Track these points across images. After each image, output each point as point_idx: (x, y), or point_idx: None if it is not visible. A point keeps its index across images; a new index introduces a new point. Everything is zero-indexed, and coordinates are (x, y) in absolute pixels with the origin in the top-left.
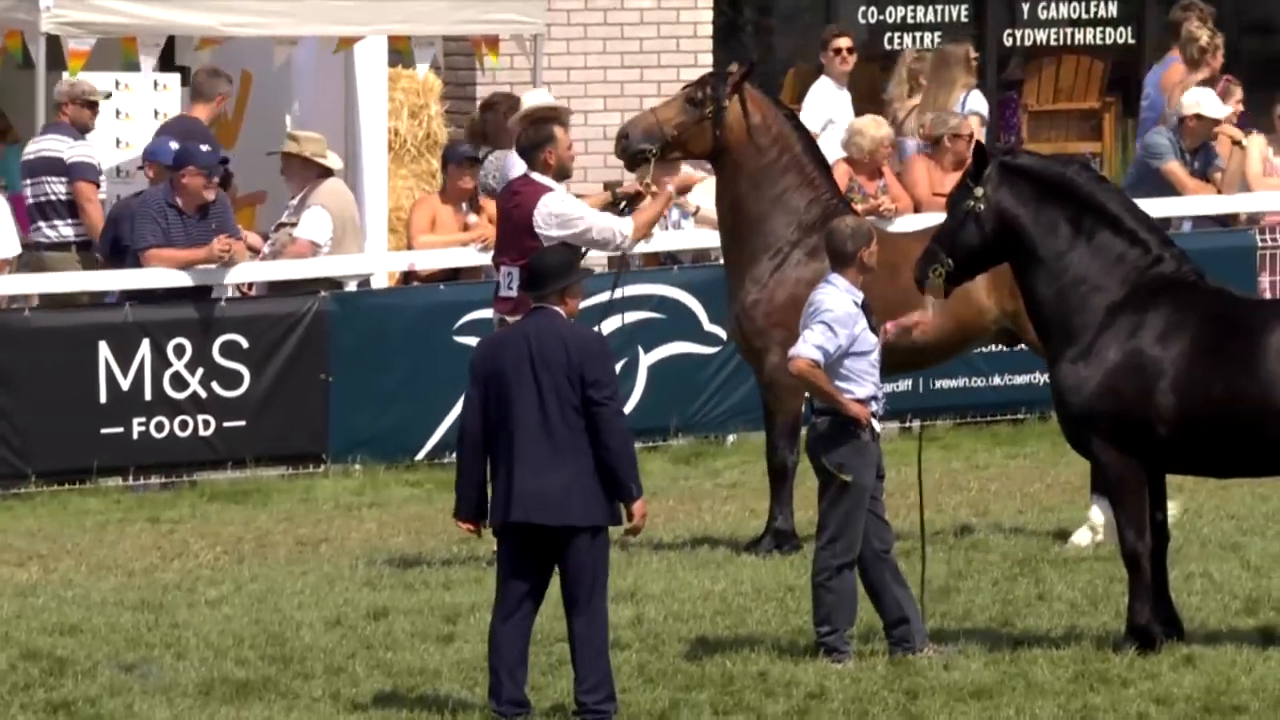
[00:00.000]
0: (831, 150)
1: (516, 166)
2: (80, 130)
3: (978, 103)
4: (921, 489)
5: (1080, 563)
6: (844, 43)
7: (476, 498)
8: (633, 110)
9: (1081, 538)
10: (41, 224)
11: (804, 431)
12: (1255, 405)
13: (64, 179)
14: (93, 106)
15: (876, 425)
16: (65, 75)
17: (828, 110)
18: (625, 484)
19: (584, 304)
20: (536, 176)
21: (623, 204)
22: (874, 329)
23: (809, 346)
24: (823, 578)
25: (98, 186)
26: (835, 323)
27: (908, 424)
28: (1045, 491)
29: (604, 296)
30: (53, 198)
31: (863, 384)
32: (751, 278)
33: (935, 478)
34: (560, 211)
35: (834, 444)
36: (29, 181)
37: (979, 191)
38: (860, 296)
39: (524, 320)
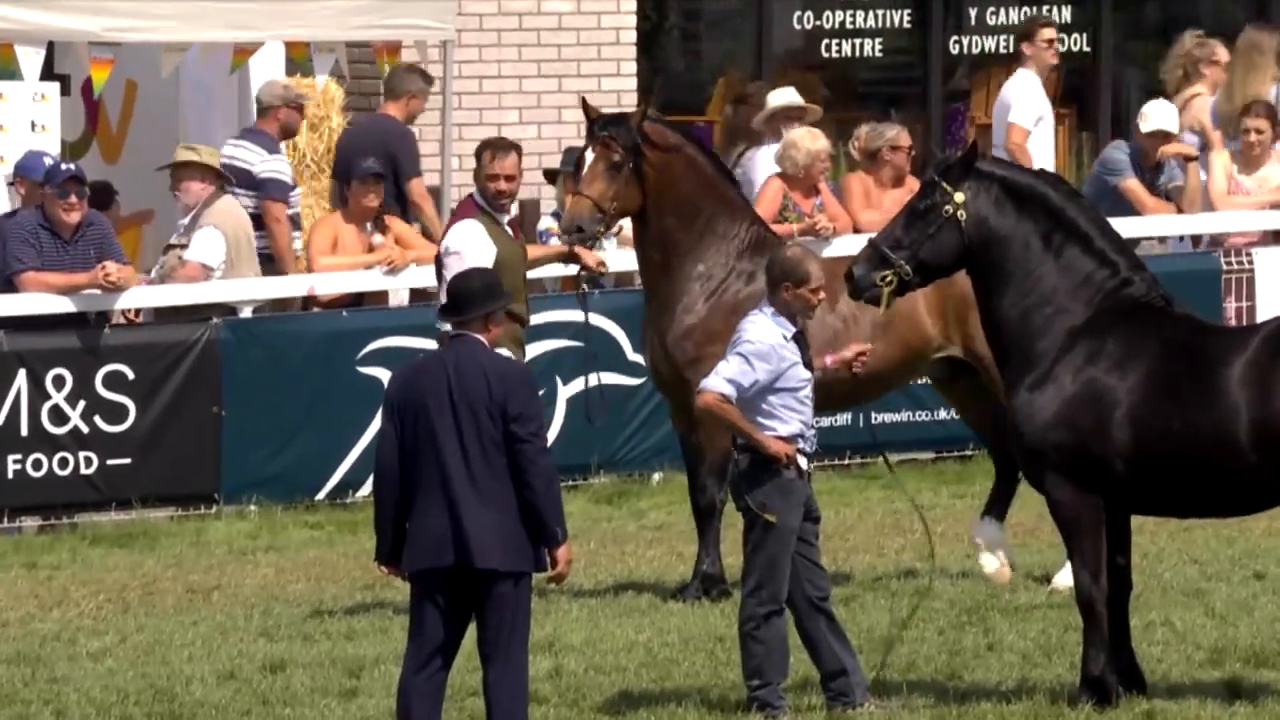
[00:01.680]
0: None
1: (762, 166)
2: (285, 135)
3: None
4: (925, 522)
5: (1032, 610)
6: (1051, 33)
7: (397, 538)
8: (550, 122)
9: (1065, 579)
10: None
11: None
12: (1215, 440)
13: (253, 193)
14: (301, 110)
15: (804, 463)
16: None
17: (1038, 106)
18: (550, 527)
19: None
20: (475, 197)
21: (581, 273)
22: (808, 363)
23: (719, 379)
24: (750, 627)
25: (287, 205)
26: (755, 355)
27: (844, 461)
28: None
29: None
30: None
31: (787, 421)
32: (683, 307)
33: (877, 519)
34: (456, 249)
35: (756, 482)
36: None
37: (959, 197)
38: (791, 329)
39: (444, 349)
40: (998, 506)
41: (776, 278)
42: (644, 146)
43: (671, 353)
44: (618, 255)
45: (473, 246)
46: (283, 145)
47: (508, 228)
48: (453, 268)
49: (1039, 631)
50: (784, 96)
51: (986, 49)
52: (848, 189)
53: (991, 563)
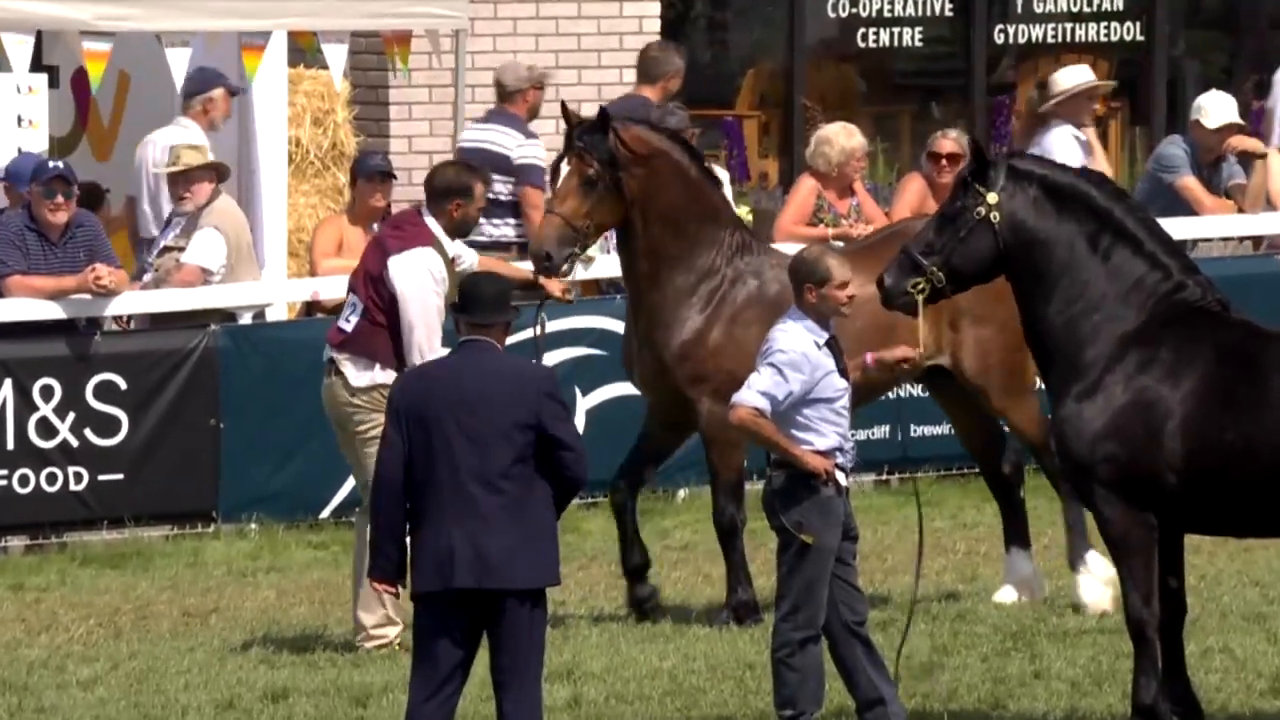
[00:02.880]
0: None
1: (1056, 145)
2: (531, 118)
3: None
4: (921, 550)
5: (1082, 635)
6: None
7: (397, 555)
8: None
9: (1096, 597)
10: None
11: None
12: (1275, 453)
13: (508, 179)
14: (543, 89)
15: (842, 479)
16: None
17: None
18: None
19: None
20: (430, 223)
21: (544, 301)
22: (843, 371)
23: (753, 393)
24: (784, 654)
25: (543, 191)
26: (788, 365)
27: (884, 477)
28: (1043, 554)
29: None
30: (491, 196)
31: (825, 434)
32: (677, 319)
33: (916, 537)
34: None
35: (792, 500)
36: None
37: (992, 198)
38: (824, 336)
39: (455, 353)
40: (1017, 537)
41: (798, 281)
42: (623, 155)
43: (672, 369)
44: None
45: (426, 296)
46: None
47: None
48: (411, 312)
49: (1089, 658)
50: (1077, 76)
51: (1034, 38)
52: (903, 190)
53: (1009, 595)
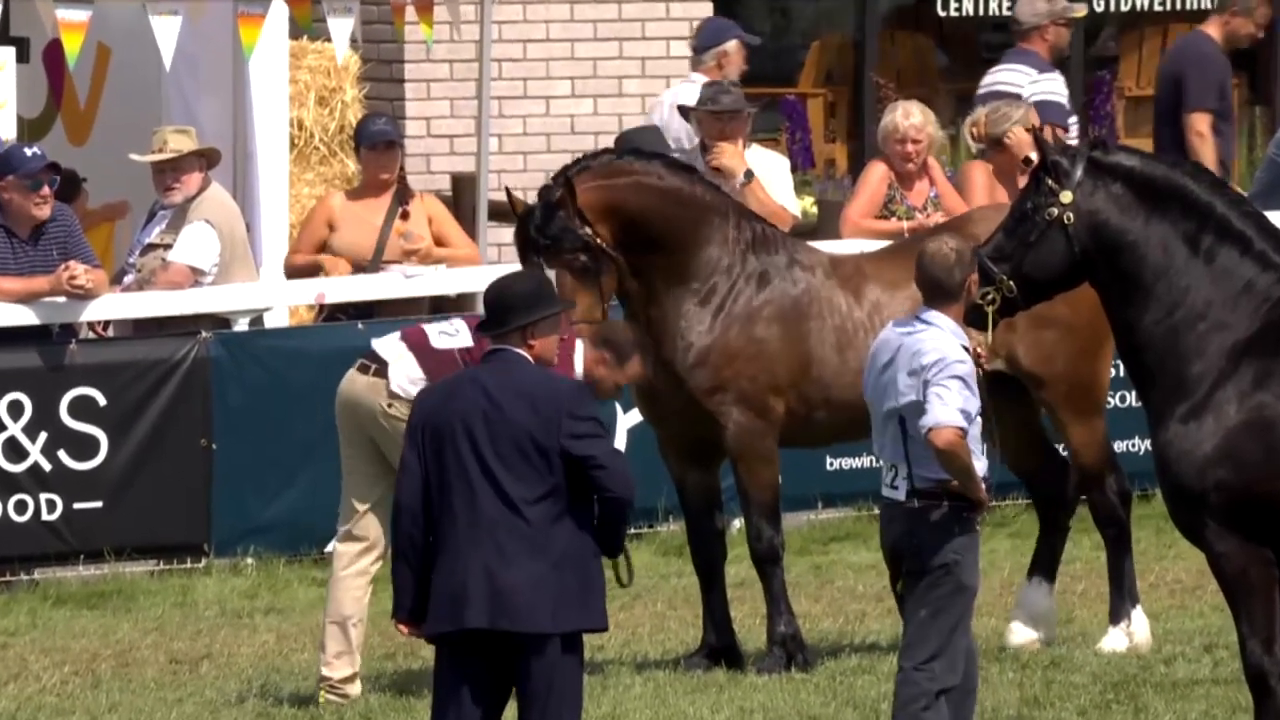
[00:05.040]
0: None
1: None
2: (1054, 55)
3: None
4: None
5: (1193, 686)
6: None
7: (420, 591)
8: (609, 96)
9: (1115, 641)
10: None
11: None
12: None
13: None
14: (1069, 25)
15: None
16: None
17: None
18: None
19: None
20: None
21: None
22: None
23: (953, 412)
24: (918, 707)
25: (1066, 130)
26: (970, 378)
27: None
28: (1148, 592)
29: None
30: None
31: (979, 457)
32: (687, 327)
33: (1004, 574)
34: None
35: (947, 535)
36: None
37: (1066, 196)
38: (967, 341)
39: (479, 366)
40: (1044, 567)
41: (959, 279)
42: (584, 225)
43: (687, 380)
44: None
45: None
46: (1049, 65)
47: None
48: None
49: (1201, 712)
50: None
51: (1139, 5)
52: (968, 180)
53: (1023, 634)
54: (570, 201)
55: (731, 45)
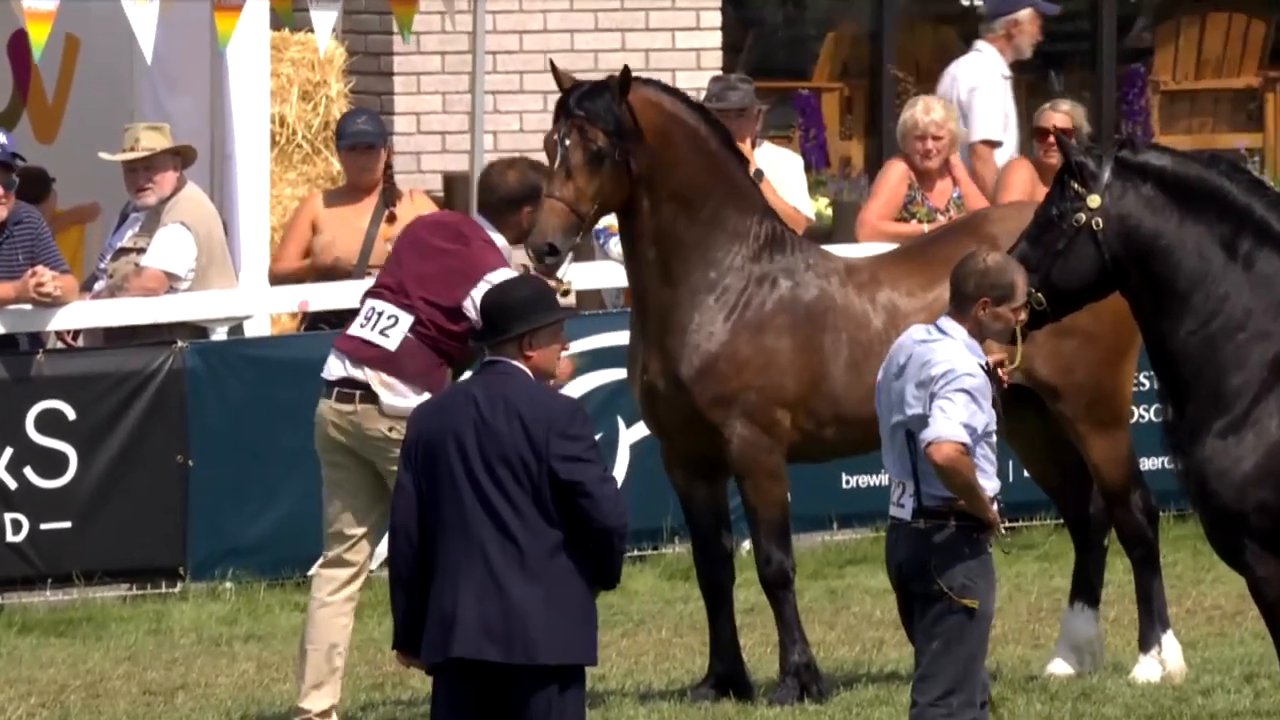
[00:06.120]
0: None
1: None
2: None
3: None
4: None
5: (1233, 719)
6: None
7: (418, 617)
8: None
9: (1148, 670)
10: None
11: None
12: None
13: None
14: None
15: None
16: None
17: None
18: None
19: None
20: (494, 234)
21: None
22: (994, 401)
23: (954, 426)
24: None
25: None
26: (979, 393)
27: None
28: (1184, 619)
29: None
30: None
31: (990, 476)
32: (696, 328)
33: (1031, 599)
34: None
35: (955, 558)
36: None
37: (1094, 200)
38: (984, 358)
39: (473, 379)
40: (1086, 593)
41: (971, 292)
42: (631, 122)
43: (690, 389)
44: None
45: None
46: None
47: None
48: None
49: None
50: None
51: None
52: (1007, 180)
53: (1063, 667)
54: (622, 94)
55: (1025, 14)
